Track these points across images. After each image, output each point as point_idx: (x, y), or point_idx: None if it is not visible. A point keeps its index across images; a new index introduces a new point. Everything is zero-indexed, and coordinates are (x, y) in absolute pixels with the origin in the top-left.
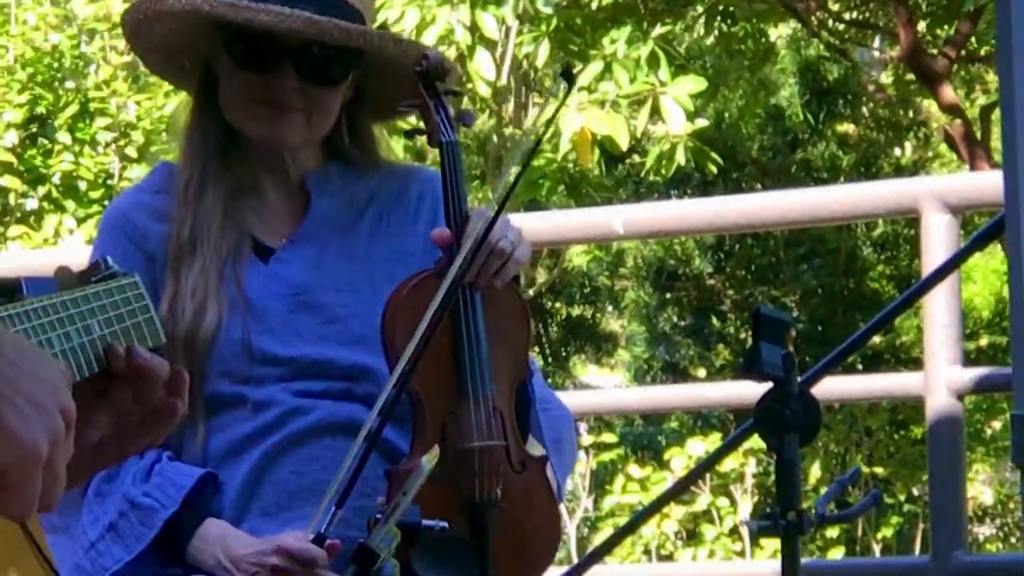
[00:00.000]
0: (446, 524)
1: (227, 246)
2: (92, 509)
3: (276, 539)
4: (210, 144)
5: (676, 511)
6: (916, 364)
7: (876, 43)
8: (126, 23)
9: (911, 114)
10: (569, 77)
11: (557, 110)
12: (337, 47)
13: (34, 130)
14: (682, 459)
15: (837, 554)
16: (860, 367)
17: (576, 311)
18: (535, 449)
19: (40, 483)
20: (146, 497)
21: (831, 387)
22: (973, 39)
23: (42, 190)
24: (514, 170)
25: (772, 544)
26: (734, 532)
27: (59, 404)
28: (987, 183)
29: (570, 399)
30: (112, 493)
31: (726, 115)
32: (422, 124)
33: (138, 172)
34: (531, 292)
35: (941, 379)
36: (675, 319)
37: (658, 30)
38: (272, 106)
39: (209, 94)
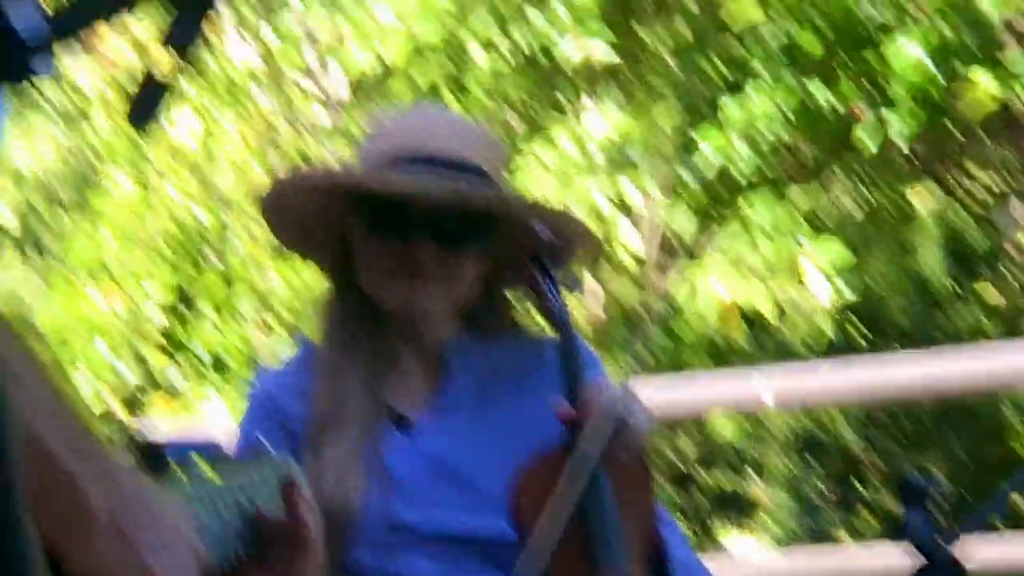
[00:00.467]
0: None
1: (366, 420)
2: None
3: None
4: (347, 318)
5: None
6: None
7: (1017, 206)
8: (265, 201)
9: None
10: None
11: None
12: (475, 214)
13: (177, 303)
14: None
15: None
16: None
17: (721, 478)
18: None
19: None
20: None
21: (981, 553)
22: None
23: (186, 363)
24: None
25: None
26: None
27: (188, 536)
28: None
29: (716, 567)
30: None
31: (868, 280)
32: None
33: (281, 344)
34: (675, 459)
35: None
36: (820, 487)
37: (799, 195)
38: (410, 275)
39: (344, 266)
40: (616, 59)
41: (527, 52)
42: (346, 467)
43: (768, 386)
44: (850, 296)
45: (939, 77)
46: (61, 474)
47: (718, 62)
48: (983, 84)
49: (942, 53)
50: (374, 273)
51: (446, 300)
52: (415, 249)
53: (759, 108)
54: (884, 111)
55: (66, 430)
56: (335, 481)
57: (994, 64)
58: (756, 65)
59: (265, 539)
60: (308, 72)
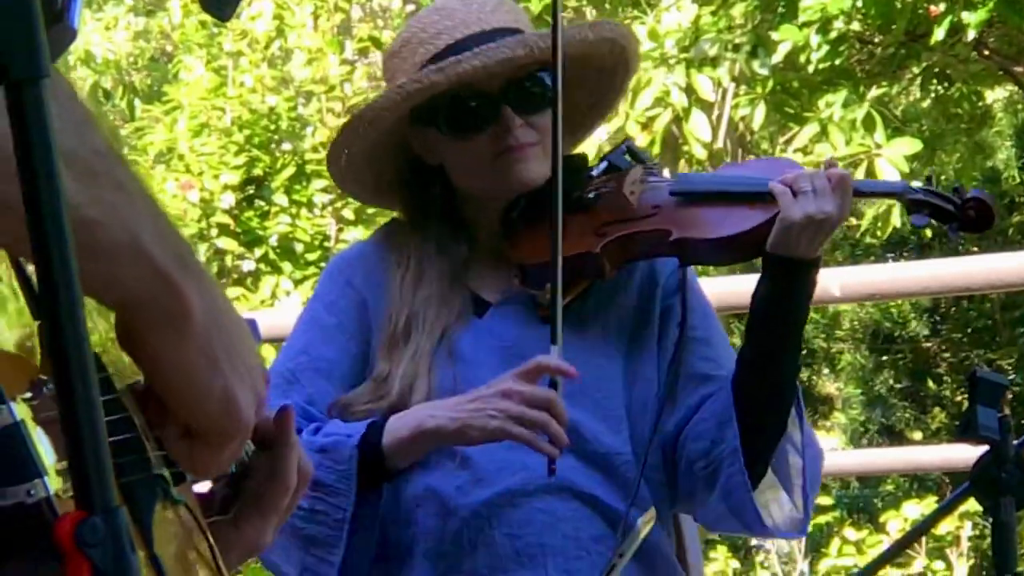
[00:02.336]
0: None
1: (445, 318)
2: None
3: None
4: (430, 228)
5: (892, 574)
6: None
7: None
8: (332, 164)
9: None
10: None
11: None
12: (537, 69)
13: (251, 192)
14: (898, 522)
15: None
16: None
17: None
18: None
19: (239, 448)
20: (327, 438)
21: None
22: None
23: (259, 252)
24: None
25: None
26: None
27: (260, 366)
28: None
29: None
30: None
31: (942, 178)
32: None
33: (355, 235)
34: None
35: None
36: (891, 382)
37: (874, 92)
38: (513, 150)
39: (419, 183)
40: None
41: None
42: (415, 375)
43: (836, 277)
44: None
45: None
46: (162, 276)
47: None
48: None
49: None
50: (476, 167)
51: (545, 162)
52: (507, 125)
53: (836, 4)
54: (962, 13)
55: (170, 242)
56: (401, 389)
57: None
58: None
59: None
60: None
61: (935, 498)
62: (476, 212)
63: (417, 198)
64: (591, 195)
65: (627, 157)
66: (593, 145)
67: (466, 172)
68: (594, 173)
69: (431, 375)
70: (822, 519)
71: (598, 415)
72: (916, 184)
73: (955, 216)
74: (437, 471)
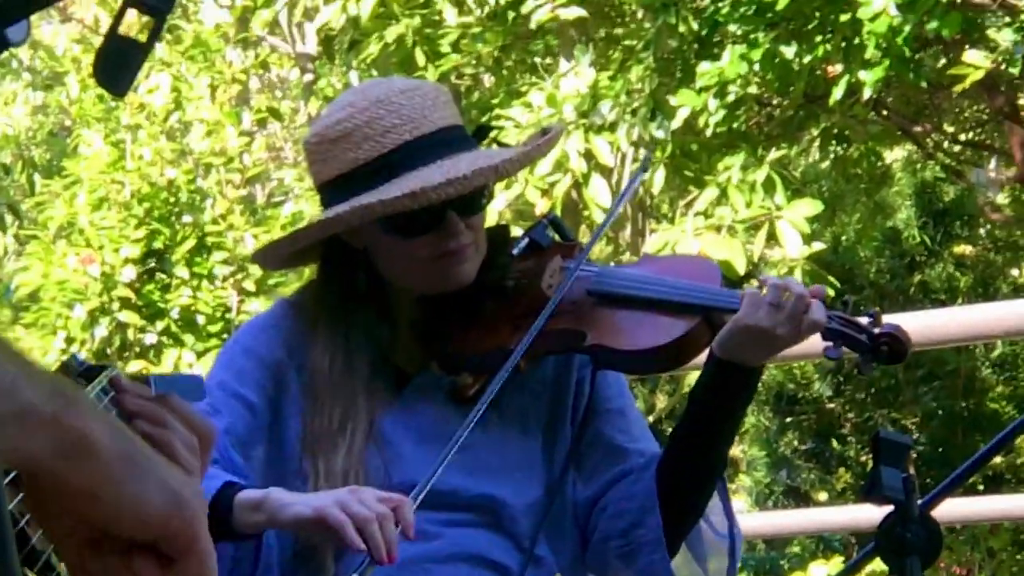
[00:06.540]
0: None
1: (373, 406)
2: None
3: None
4: (357, 313)
5: None
6: None
7: (992, 164)
8: (262, 262)
9: None
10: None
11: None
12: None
13: (152, 265)
14: None
15: None
16: (981, 488)
17: None
18: None
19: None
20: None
21: (952, 509)
22: None
23: (160, 325)
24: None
25: None
26: None
27: None
28: None
29: None
30: None
31: (843, 238)
32: None
33: (256, 306)
34: (651, 418)
35: None
36: (796, 443)
37: (773, 154)
38: (453, 254)
39: (340, 262)
40: (584, 13)
41: (495, 7)
42: (358, 444)
43: None
44: (824, 252)
45: (905, 28)
46: (52, 423)
47: (692, 22)
48: (968, 56)
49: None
50: (413, 267)
51: (479, 256)
52: (451, 232)
53: (733, 68)
54: (859, 73)
55: (43, 381)
56: (345, 457)
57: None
58: (731, 27)
59: None
60: (277, 28)
61: (841, 559)
62: (397, 297)
63: (338, 279)
64: (509, 283)
65: (549, 232)
66: (493, 213)
67: (401, 268)
68: (515, 252)
69: (364, 466)
70: None
71: (518, 495)
72: (831, 314)
73: (869, 349)
74: None
